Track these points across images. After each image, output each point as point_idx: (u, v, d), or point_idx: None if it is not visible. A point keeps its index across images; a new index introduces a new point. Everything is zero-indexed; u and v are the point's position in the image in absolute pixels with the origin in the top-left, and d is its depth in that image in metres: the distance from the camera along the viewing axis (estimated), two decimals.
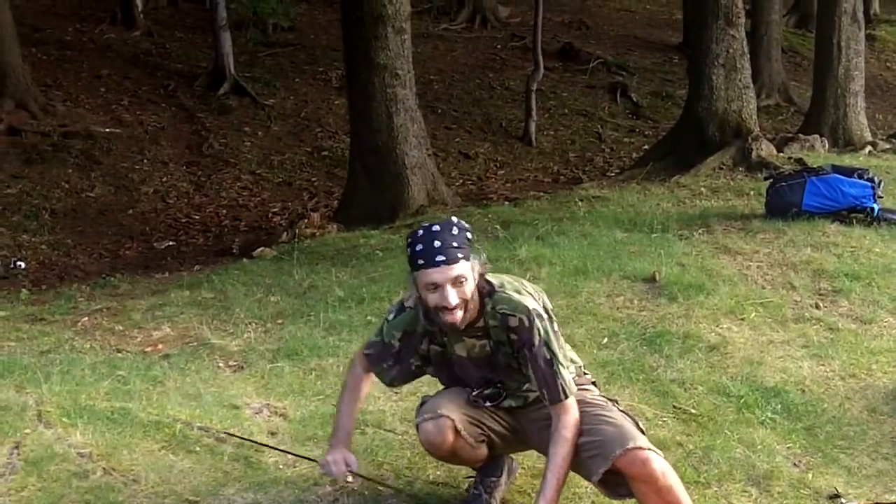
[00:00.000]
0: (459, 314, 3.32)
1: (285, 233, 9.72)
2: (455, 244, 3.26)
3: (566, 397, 3.39)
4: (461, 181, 12.81)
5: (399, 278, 6.55)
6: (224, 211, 11.82)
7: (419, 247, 3.25)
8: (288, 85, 15.68)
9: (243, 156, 13.40)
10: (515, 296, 3.43)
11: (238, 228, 11.19)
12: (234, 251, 9.48)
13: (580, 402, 3.49)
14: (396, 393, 4.64)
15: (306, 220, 10.01)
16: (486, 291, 3.40)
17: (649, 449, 3.32)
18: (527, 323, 3.39)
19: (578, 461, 3.41)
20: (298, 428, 4.33)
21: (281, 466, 3.95)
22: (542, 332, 3.39)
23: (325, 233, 9.23)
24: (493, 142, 14.47)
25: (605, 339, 5.46)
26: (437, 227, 3.28)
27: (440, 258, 3.24)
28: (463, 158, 13.81)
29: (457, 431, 3.46)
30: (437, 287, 3.27)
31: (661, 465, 3.29)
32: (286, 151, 13.66)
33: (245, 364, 5.15)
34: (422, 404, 3.62)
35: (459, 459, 3.59)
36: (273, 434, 4.28)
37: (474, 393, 3.55)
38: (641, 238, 7.29)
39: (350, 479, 3.52)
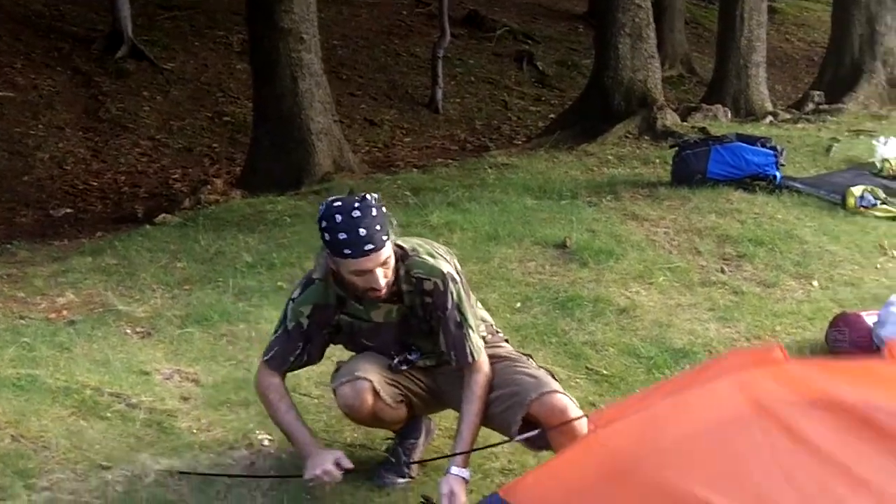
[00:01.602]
0: (385, 290, 3.30)
1: (187, 199, 9.51)
2: (378, 227, 3.20)
3: (474, 360, 3.44)
4: (367, 148, 12.70)
5: (309, 244, 6.47)
6: (123, 177, 11.51)
7: (343, 235, 3.16)
8: (188, 49, 15.30)
9: (142, 121, 13.05)
10: (430, 260, 3.43)
11: (137, 195, 10.91)
12: (139, 216, 9.25)
13: (495, 357, 3.56)
14: None
15: (209, 187, 9.81)
16: (399, 256, 3.37)
17: (565, 394, 3.41)
18: (441, 287, 3.40)
19: (495, 415, 3.46)
20: (211, 393, 4.27)
21: (195, 431, 3.89)
22: (454, 295, 3.42)
23: (229, 199, 9.06)
24: (399, 109, 14.38)
25: (518, 304, 5.50)
26: (357, 213, 3.17)
27: (368, 247, 3.18)
28: (368, 125, 13.68)
29: (376, 393, 3.43)
30: (367, 272, 3.23)
31: (577, 415, 3.35)
32: (186, 117, 13.36)
33: (153, 330, 5.04)
34: (337, 369, 3.58)
35: (379, 422, 3.57)
36: (185, 399, 4.21)
37: (395, 361, 3.53)
38: (551, 205, 7.33)
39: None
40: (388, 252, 3.25)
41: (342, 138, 10.26)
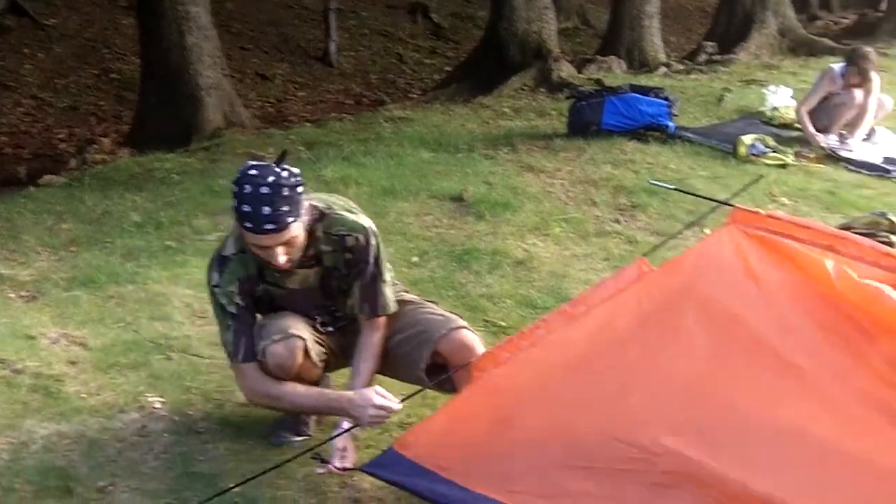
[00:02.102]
0: (288, 265, 3.19)
1: (73, 159, 9.26)
2: (285, 208, 3.03)
3: (383, 314, 3.40)
4: (259, 103, 12.51)
5: (198, 201, 6.36)
6: (4, 138, 11.16)
7: (246, 208, 3.01)
8: (70, 4, 14.81)
9: (24, 79, 12.65)
10: (349, 216, 3.34)
11: (21, 156, 10.58)
12: (22, 178, 8.94)
13: (401, 302, 3.51)
14: (201, 317, 4.51)
15: (96, 146, 9.59)
16: (315, 217, 3.25)
17: (472, 331, 3.41)
18: (363, 241, 3.32)
19: (402, 356, 3.43)
20: (100, 356, 4.13)
21: (83, 395, 3.76)
22: (376, 249, 3.36)
23: (117, 158, 8.83)
24: (292, 63, 14.16)
25: (416, 258, 5.45)
26: (266, 189, 3.00)
27: (269, 226, 3.03)
28: (260, 80, 13.46)
29: (307, 352, 3.32)
30: (266, 248, 3.11)
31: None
32: (70, 74, 12.97)
33: (38, 293, 4.87)
34: (261, 327, 3.39)
35: (298, 381, 3.40)
36: (73, 363, 4.06)
37: (320, 322, 3.45)
38: (448, 158, 7.31)
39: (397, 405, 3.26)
40: (292, 233, 3.09)
41: (233, 93, 10.07)
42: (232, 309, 3.29)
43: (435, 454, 3.01)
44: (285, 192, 3.03)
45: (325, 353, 3.46)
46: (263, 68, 13.81)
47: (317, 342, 3.40)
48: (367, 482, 3.29)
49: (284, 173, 3.06)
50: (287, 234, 3.08)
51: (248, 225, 3.04)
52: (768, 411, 2.72)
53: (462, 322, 3.44)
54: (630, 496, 2.71)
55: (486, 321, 4.75)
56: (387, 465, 3.06)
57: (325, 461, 3.24)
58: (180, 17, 9.24)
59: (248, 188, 3.01)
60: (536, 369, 3.08)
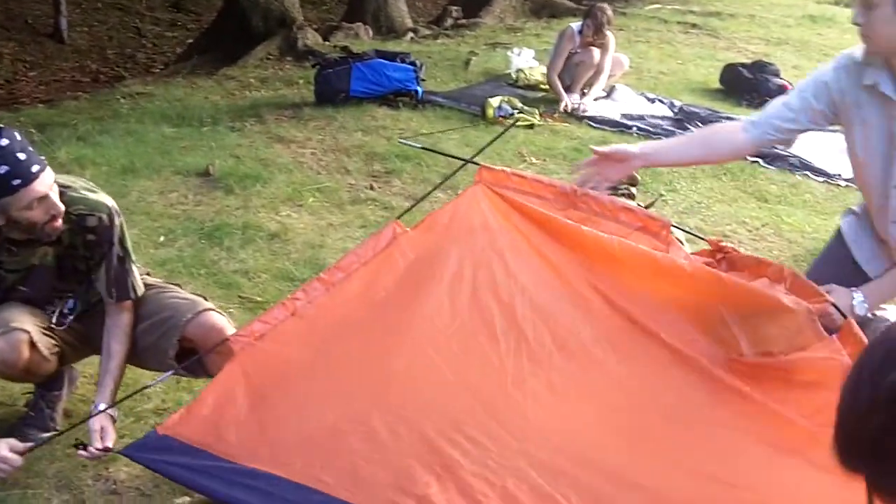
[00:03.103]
0: (62, 217, 3.01)
1: None
2: (31, 149, 2.91)
3: (135, 296, 3.28)
4: None
5: None
6: None
7: (4, 168, 2.82)
8: None
9: None
10: (91, 195, 3.18)
11: None
12: None
13: (146, 286, 3.38)
14: None
15: None
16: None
17: (220, 313, 3.32)
18: (107, 221, 3.18)
19: (150, 346, 3.29)
20: None
21: None
22: (119, 229, 3.22)
23: None
24: (20, 41, 13.33)
25: (162, 238, 5.24)
26: (5, 140, 2.84)
27: (36, 168, 2.88)
28: None
29: (33, 345, 3.11)
30: (43, 199, 2.91)
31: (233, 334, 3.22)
32: None
33: None
34: None
35: (30, 377, 3.23)
36: None
37: (54, 319, 3.25)
38: (191, 132, 7.09)
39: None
40: (52, 174, 2.96)
41: None
42: None
43: (202, 434, 2.89)
44: (18, 136, 2.92)
45: (57, 346, 3.25)
46: None
47: (44, 334, 3.19)
48: (122, 472, 3.14)
49: (2, 127, 2.91)
50: (50, 174, 2.95)
51: (18, 181, 2.86)
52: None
53: (208, 304, 3.35)
54: (405, 449, 2.70)
55: (242, 297, 4.62)
56: (150, 448, 2.90)
57: (85, 446, 3.04)
58: None
59: None
60: (300, 339, 3.04)
